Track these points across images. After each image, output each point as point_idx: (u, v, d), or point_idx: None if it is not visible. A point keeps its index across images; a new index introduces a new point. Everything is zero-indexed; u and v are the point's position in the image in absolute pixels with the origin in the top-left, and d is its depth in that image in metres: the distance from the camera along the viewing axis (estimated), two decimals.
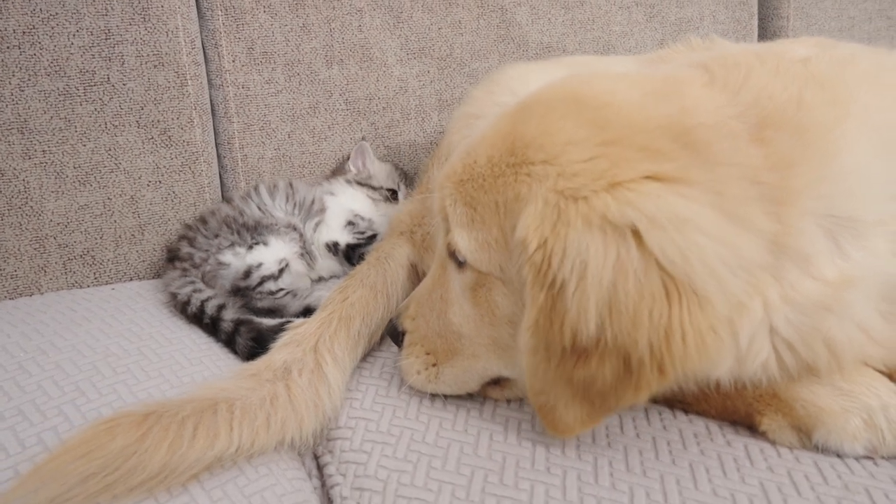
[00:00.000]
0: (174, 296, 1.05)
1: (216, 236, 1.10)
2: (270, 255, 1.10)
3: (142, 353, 0.92)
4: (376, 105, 1.37)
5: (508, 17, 1.43)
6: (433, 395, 0.86)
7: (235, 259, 1.08)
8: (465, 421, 0.82)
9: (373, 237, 1.20)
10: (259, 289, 1.07)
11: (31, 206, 1.12)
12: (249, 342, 0.97)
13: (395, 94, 1.38)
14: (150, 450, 0.67)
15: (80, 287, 1.17)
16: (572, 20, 1.48)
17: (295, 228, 1.15)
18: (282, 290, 1.08)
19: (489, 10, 1.42)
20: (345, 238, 1.19)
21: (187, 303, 1.03)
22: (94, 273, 1.18)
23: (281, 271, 1.10)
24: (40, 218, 1.13)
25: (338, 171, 1.33)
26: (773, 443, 0.75)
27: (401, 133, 1.40)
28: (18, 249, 1.12)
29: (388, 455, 0.78)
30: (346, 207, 1.23)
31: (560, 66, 1.11)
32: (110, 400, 0.81)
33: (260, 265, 1.08)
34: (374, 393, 0.89)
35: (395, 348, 0.99)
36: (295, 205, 1.19)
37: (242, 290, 1.07)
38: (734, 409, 0.77)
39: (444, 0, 1.38)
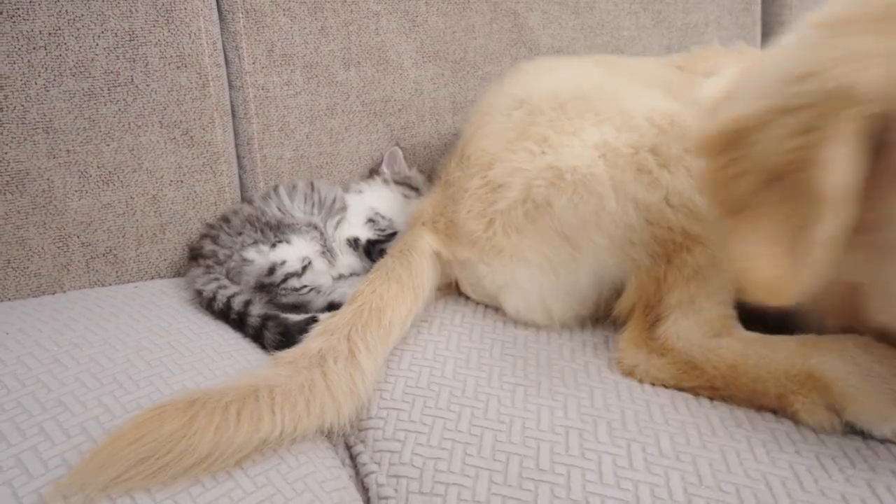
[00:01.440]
0: (199, 292, 1.06)
1: (239, 234, 1.11)
2: (293, 253, 1.11)
3: (173, 347, 0.93)
4: (392, 107, 1.39)
5: (521, 22, 1.46)
6: (464, 386, 0.88)
7: (259, 256, 1.09)
8: (497, 410, 0.84)
9: (393, 234, 1.22)
10: (283, 285, 1.09)
11: (55, 205, 1.13)
12: (278, 336, 0.98)
13: (411, 97, 1.40)
14: (198, 433, 0.68)
15: (103, 285, 1.18)
16: (582, 25, 1.51)
17: (315, 227, 1.17)
18: (305, 286, 1.10)
19: (502, 15, 1.44)
20: (365, 234, 1.21)
21: (213, 299, 1.04)
22: (117, 271, 1.19)
23: (304, 269, 1.11)
24: (63, 217, 1.14)
25: (373, 173, 1.36)
26: (798, 426, 0.77)
27: (416, 135, 1.42)
28: (42, 248, 1.13)
29: (422, 443, 0.80)
30: (367, 206, 1.25)
31: (575, 64, 1.15)
32: (148, 392, 0.82)
33: (284, 262, 1.09)
34: (404, 384, 0.90)
35: (423, 336, 1.01)
36: (313, 204, 1.21)
37: (267, 287, 1.08)
38: (763, 392, 0.80)
39: (459, 4, 1.41)
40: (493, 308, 1.09)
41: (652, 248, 0.92)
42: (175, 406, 0.71)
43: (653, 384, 0.89)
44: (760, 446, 0.74)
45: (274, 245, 1.11)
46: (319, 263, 1.16)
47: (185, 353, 0.92)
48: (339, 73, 1.34)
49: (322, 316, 1.01)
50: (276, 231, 1.12)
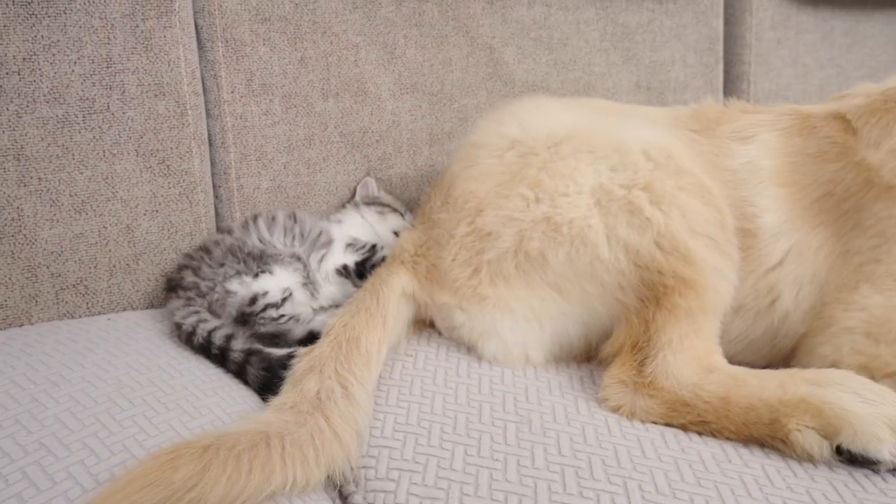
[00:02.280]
0: (179, 326, 1.03)
1: (222, 265, 1.09)
2: (275, 283, 1.10)
3: (154, 384, 0.91)
4: (370, 138, 1.39)
5: (496, 56, 1.48)
6: (455, 423, 0.88)
7: (241, 287, 1.08)
8: (491, 447, 0.84)
9: (373, 247, 1.23)
10: (262, 315, 1.07)
11: (25, 235, 1.10)
12: (261, 372, 0.96)
13: (388, 128, 1.40)
14: (211, 483, 0.67)
15: (72, 317, 1.14)
16: (555, 61, 1.54)
17: (299, 259, 1.15)
18: (283, 315, 1.08)
19: (478, 49, 1.46)
20: (351, 258, 1.21)
21: (193, 333, 1.02)
22: (87, 303, 1.15)
23: (283, 300, 1.10)
24: (33, 246, 1.10)
25: (346, 204, 1.36)
26: (787, 462, 0.80)
27: (393, 166, 1.42)
28: (10, 278, 1.09)
29: (417, 483, 0.79)
30: (345, 234, 1.25)
31: (574, 107, 1.15)
32: (133, 432, 0.80)
33: (266, 293, 1.08)
34: (393, 421, 0.90)
35: (408, 371, 1.00)
36: (294, 237, 1.20)
37: (247, 316, 1.06)
38: (756, 419, 0.82)
39: (436, 38, 1.42)
40: None
41: (640, 291, 0.94)
42: (189, 451, 0.69)
43: (645, 417, 0.90)
44: (753, 483, 0.76)
45: (256, 275, 1.09)
46: (300, 295, 1.14)
47: (167, 390, 0.90)
48: (317, 104, 1.33)
49: (302, 350, 1.00)
50: (259, 261, 1.10)
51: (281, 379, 0.96)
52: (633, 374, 0.92)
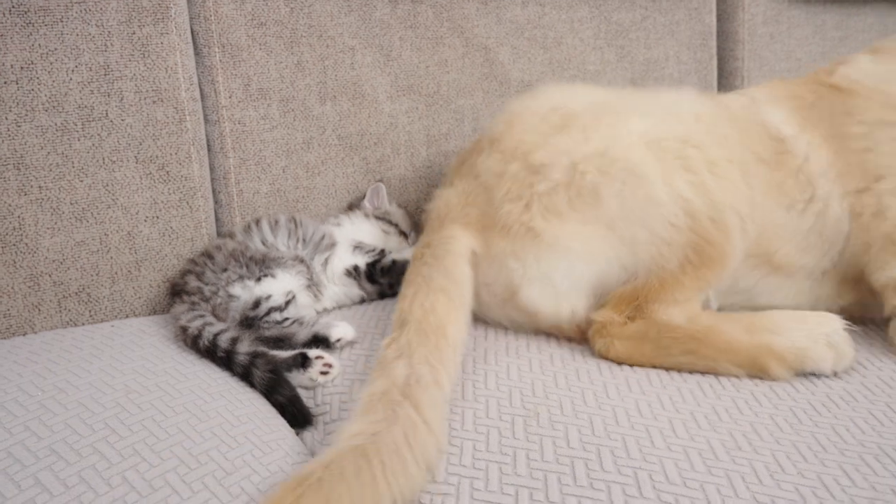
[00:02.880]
0: (184, 329, 1.03)
1: (224, 270, 1.09)
2: (278, 286, 1.10)
3: (161, 388, 0.91)
4: (368, 140, 1.39)
5: (491, 57, 1.49)
6: (463, 420, 0.88)
7: (244, 292, 1.08)
8: (499, 442, 0.83)
9: (382, 251, 1.23)
10: (266, 318, 1.07)
11: (26, 243, 1.09)
12: (267, 374, 0.96)
13: (386, 130, 1.41)
14: None
15: (75, 325, 1.14)
16: (550, 60, 1.55)
17: (302, 261, 1.16)
18: (287, 318, 1.08)
19: (473, 50, 1.47)
20: (361, 259, 1.21)
21: (198, 336, 1.02)
22: (90, 311, 1.15)
23: (287, 303, 1.10)
24: (35, 255, 1.10)
25: (353, 206, 1.35)
26: (798, 443, 0.80)
27: (391, 168, 1.43)
28: (12, 287, 1.09)
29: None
30: (350, 237, 1.25)
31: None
32: (143, 436, 0.80)
33: (269, 297, 1.08)
34: None
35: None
36: (298, 240, 1.20)
37: (251, 320, 1.06)
38: (736, 351, 0.95)
39: (431, 40, 1.43)
40: (483, 337, 1.09)
41: (686, 253, 0.97)
42: (309, 487, 0.67)
43: (628, 342, 0.99)
44: (763, 469, 0.77)
45: (259, 279, 1.09)
46: (304, 297, 1.14)
47: (174, 394, 0.90)
48: (315, 107, 1.34)
49: (311, 352, 1.00)
50: (261, 265, 1.11)
51: (286, 381, 0.97)
52: (630, 312, 0.99)
